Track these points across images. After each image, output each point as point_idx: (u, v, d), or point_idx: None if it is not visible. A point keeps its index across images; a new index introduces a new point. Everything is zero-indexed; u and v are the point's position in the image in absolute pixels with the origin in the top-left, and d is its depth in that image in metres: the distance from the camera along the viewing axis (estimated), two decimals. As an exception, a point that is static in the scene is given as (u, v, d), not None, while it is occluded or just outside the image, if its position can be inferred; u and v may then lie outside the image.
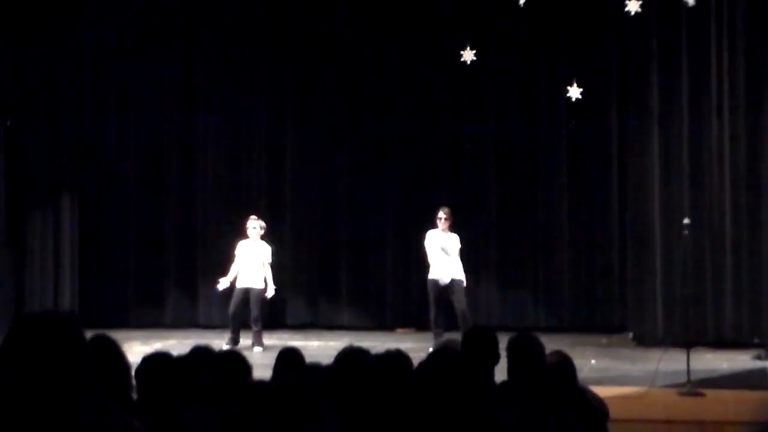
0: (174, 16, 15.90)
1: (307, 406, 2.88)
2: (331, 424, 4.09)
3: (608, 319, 14.95)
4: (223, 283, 13.61)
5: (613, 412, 5.88)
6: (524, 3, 12.02)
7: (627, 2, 12.30)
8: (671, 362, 11.34)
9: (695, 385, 10.26)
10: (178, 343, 12.65)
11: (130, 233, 15.98)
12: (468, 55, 13.08)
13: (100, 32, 15.96)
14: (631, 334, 14.19)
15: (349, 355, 5.08)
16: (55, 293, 15.23)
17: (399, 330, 15.21)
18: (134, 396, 4.70)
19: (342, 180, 15.76)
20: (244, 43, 15.78)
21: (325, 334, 14.66)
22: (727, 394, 10.36)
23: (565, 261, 15.15)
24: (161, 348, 9.61)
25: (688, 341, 10.71)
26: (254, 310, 13.43)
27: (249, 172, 15.93)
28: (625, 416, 8.19)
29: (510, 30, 14.80)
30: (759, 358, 12.44)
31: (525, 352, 5.37)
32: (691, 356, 10.40)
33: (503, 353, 5.45)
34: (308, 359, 5.57)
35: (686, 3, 12.58)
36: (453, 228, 13.41)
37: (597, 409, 5.58)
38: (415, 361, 4.91)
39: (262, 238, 13.69)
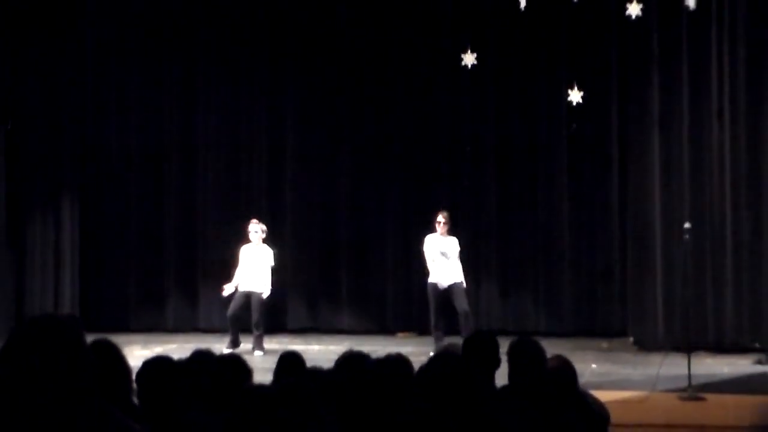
0: (174, 16, 15.90)
1: (308, 411, 2.88)
2: (332, 428, 4.08)
3: (609, 323, 14.93)
4: (228, 289, 13.59)
5: (614, 416, 5.89)
6: (525, 6, 12.01)
7: (628, 5, 12.31)
8: (672, 367, 11.34)
9: (696, 390, 10.26)
10: (178, 347, 12.67)
11: (131, 235, 15.97)
12: (469, 59, 13.09)
13: (100, 32, 15.96)
14: (631, 339, 14.19)
15: (349, 359, 5.08)
16: (56, 295, 15.22)
17: (400, 334, 15.19)
18: (135, 400, 4.69)
19: (342, 181, 15.75)
20: (244, 43, 15.78)
21: (326, 338, 14.66)
22: (727, 399, 10.34)
23: (565, 263, 15.14)
24: (162, 352, 9.64)
25: (689, 345, 10.70)
26: (255, 315, 13.40)
27: (249, 172, 15.92)
28: (625, 421, 8.20)
29: (511, 32, 14.80)
30: (760, 362, 12.44)
31: (525, 357, 5.37)
32: (691, 361, 10.40)
33: (504, 358, 5.45)
34: (309, 363, 5.57)
35: (687, 6, 12.58)
36: (452, 231, 13.42)
37: (598, 413, 5.57)
38: (416, 366, 4.92)
39: (264, 240, 13.68)
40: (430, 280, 13.22)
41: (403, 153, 15.59)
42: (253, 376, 5.03)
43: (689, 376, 10.28)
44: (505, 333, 11.62)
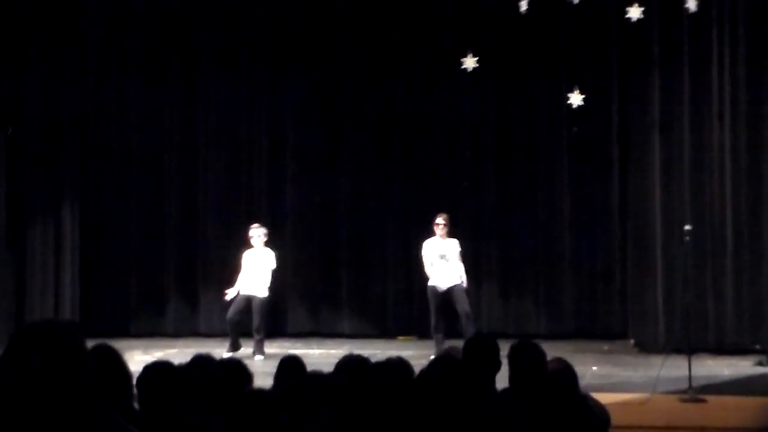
0: (174, 16, 15.87)
1: (308, 414, 2.88)
2: (332, 431, 4.08)
3: (609, 324, 14.92)
4: (230, 294, 13.56)
5: (615, 418, 5.89)
6: (526, 10, 12.00)
7: (628, 8, 12.30)
8: (672, 368, 11.33)
9: (697, 392, 10.25)
10: (179, 352, 12.63)
11: (131, 236, 15.94)
12: (469, 63, 13.08)
13: (100, 32, 15.92)
14: (632, 341, 14.18)
15: (350, 363, 5.08)
16: (56, 296, 15.18)
17: (400, 338, 15.16)
18: (136, 405, 4.69)
19: (342, 181, 15.73)
20: (244, 42, 15.77)
21: (326, 342, 14.66)
22: (728, 401, 10.34)
23: (565, 264, 15.13)
24: (162, 357, 9.62)
25: (690, 347, 10.69)
26: (256, 319, 13.37)
27: (249, 172, 15.90)
28: (626, 423, 8.19)
29: (511, 34, 14.77)
30: (760, 364, 12.44)
31: (526, 360, 5.37)
32: (692, 362, 10.40)
33: (504, 361, 5.45)
34: (309, 367, 5.56)
35: (688, 8, 12.57)
36: (452, 232, 13.41)
37: (598, 415, 5.57)
38: (417, 369, 4.91)
39: (266, 243, 13.66)
40: (430, 283, 13.24)
41: (403, 153, 15.58)
42: (254, 381, 5.03)
43: (690, 377, 10.28)
44: (505, 335, 11.62)
